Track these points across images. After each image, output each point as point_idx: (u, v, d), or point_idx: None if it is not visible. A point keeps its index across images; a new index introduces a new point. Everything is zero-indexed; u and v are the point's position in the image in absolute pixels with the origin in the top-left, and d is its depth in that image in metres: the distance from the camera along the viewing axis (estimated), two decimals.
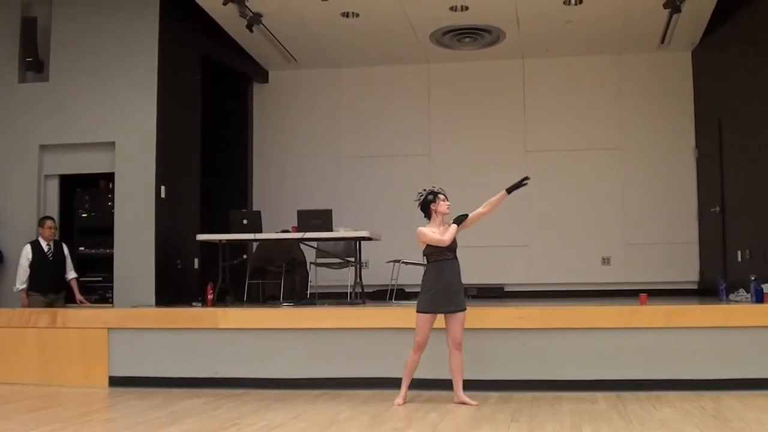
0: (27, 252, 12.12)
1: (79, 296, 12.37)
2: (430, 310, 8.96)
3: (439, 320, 9.04)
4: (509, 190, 9.12)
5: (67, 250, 12.47)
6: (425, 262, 9.17)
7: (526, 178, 9.13)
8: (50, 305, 11.97)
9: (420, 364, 9.61)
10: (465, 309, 9.05)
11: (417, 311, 9.02)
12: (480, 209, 9.13)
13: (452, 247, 9.01)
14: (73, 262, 12.53)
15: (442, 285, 8.95)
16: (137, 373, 10.77)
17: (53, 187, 13.41)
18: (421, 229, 9.05)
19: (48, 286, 12.16)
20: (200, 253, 13.76)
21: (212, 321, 10.75)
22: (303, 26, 14.10)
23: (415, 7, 13.34)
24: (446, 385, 9.23)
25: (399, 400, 9.05)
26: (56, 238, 12.38)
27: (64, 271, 12.37)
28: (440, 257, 8.97)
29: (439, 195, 9.11)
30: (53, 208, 13.27)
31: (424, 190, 9.23)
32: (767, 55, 11.40)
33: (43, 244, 12.21)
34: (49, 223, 12.32)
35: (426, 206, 9.13)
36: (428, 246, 8.99)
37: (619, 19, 13.81)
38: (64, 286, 12.39)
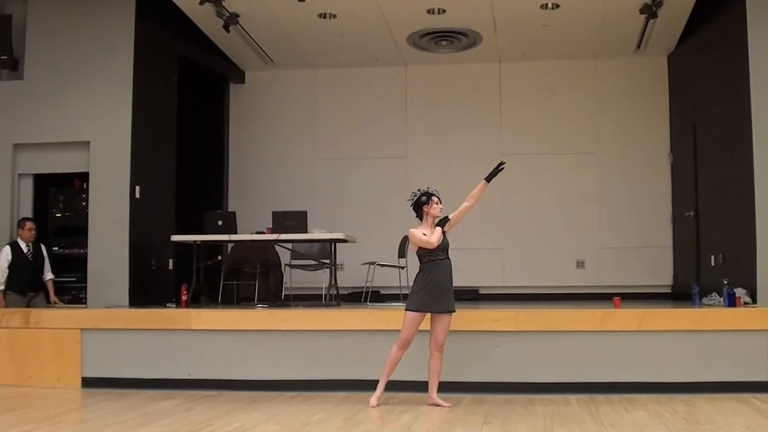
0: (6, 253, 12.07)
1: (53, 297, 12.33)
2: (419, 309, 8.99)
3: (424, 322, 9.08)
4: (488, 179, 9.16)
5: (45, 251, 12.44)
6: (419, 263, 9.13)
7: (502, 163, 9.20)
8: (28, 304, 11.95)
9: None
10: (454, 311, 9.11)
11: (406, 309, 9.03)
12: (465, 204, 9.14)
13: (443, 247, 9.03)
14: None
15: (434, 285, 8.98)
16: (110, 374, 10.73)
17: (27, 187, 13.33)
18: (412, 230, 9.06)
19: (27, 286, 12.17)
20: (175, 254, 13.71)
21: (186, 322, 10.73)
22: (280, 27, 14.08)
23: (392, 9, 13.34)
24: (420, 386, 9.24)
25: (374, 400, 9.04)
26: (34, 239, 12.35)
27: (41, 271, 12.34)
28: (433, 258, 8.98)
29: (433, 197, 9.10)
30: (27, 208, 13.20)
31: (419, 190, 9.20)
32: (741, 61, 11.44)
33: (23, 245, 12.17)
34: (29, 224, 12.28)
35: (419, 207, 9.12)
36: (420, 247, 9.00)
37: (596, 23, 13.85)
38: (42, 286, 12.36)
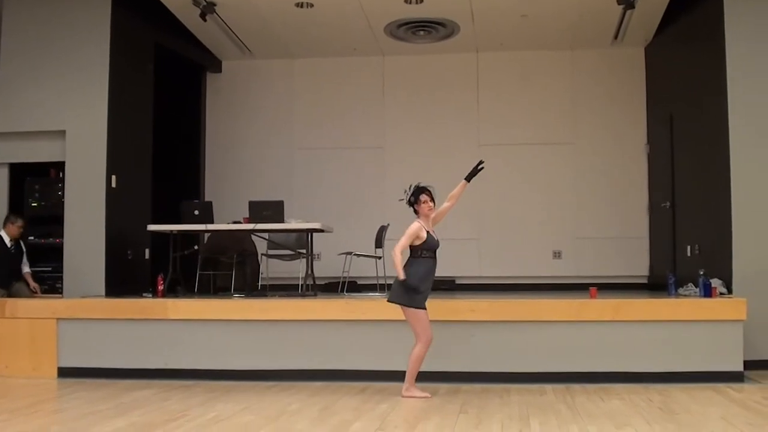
0: None
1: (33, 284, 12.26)
2: (421, 306, 8.96)
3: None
4: (468, 179, 9.20)
5: (23, 245, 12.38)
6: (415, 255, 9.01)
7: (481, 163, 9.22)
8: (10, 293, 11.95)
9: (370, 356, 9.78)
10: None
11: (419, 307, 8.90)
12: (445, 204, 9.15)
13: (435, 246, 9.06)
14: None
15: (430, 283, 9.03)
16: (86, 364, 10.72)
17: (3, 176, 13.24)
18: (414, 230, 8.95)
19: (9, 279, 12.12)
20: (151, 244, 13.66)
21: (162, 312, 10.73)
22: (257, 16, 14.03)
23: None
24: (396, 376, 9.25)
25: (421, 393, 9.01)
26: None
27: (21, 264, 12.29)
28: (427, 255, 8.99)
29: (421, 196, 9.03)
30: (2, 197, 13.12)
31: (410, 187, 9.14)
32: (718, 52, 11.49)
33: (6, 239, 12.12)
34: (20, 222, 12.24)
35: (411, 206, 9.11)
36: (424, 243, 8.97)
37: (574, 14, 13.87)
38: (21, 277, 12.29)
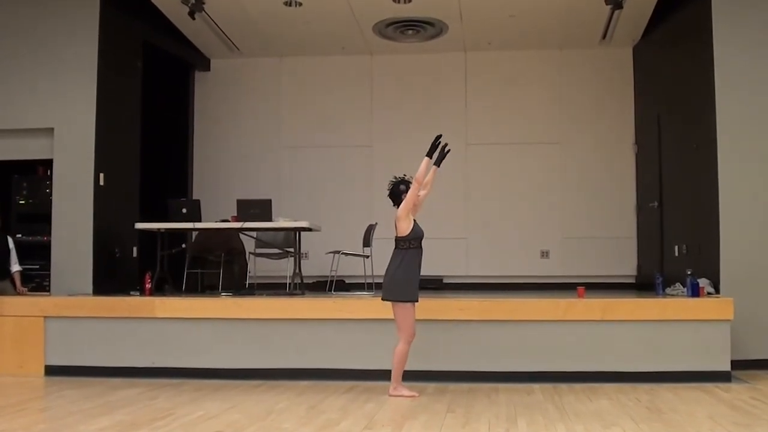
0: None
1: (20, 288, 12.18)
2: (417, 299, 8.96)
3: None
4: (437, 164, 9.12)
5: (12, 243, 12.26)
6: (403, 247, 8.96)
7: (447, 146, 9.14)
8: None
9: (357, 355, 9.77)
10: None
11: (409, 300, 8.88)
12: (422, 192, 9.04)
13: (421, 235, 9.01)
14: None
15: (419, 273, 8.99)
16: (73, 362, 10.70)
17: None
18: (401, 216, 8.95)
19: None
20: (139, 242, 13.63)
21: (150, 310, 10.70)
22: (245, 14, 14.02)
23: None
24: (384, 375, 9.25)
25: (407, 392, 9.00)
26: None
27: (8, 262, 12.17)
28: (415, 245, 8.94)
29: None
30: None
31: (395, 177, 9.16)
32: (706, 53, 11.51)
33: None
34: None
35: (397, 195, 9.06)
36: (409, 232, 8.94)
37: (561, 13, 13.88)
38: (7, 276, 12.18)
